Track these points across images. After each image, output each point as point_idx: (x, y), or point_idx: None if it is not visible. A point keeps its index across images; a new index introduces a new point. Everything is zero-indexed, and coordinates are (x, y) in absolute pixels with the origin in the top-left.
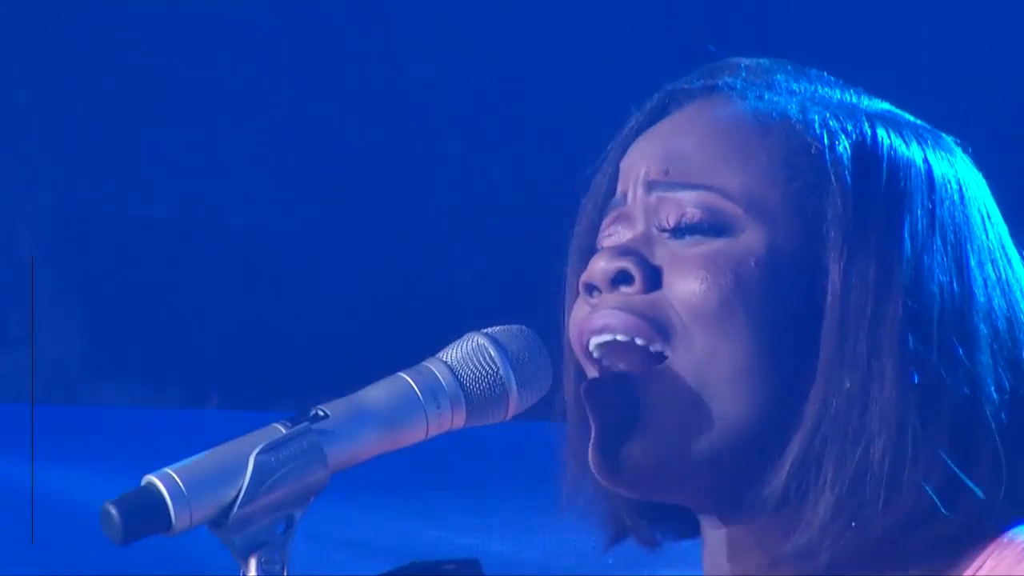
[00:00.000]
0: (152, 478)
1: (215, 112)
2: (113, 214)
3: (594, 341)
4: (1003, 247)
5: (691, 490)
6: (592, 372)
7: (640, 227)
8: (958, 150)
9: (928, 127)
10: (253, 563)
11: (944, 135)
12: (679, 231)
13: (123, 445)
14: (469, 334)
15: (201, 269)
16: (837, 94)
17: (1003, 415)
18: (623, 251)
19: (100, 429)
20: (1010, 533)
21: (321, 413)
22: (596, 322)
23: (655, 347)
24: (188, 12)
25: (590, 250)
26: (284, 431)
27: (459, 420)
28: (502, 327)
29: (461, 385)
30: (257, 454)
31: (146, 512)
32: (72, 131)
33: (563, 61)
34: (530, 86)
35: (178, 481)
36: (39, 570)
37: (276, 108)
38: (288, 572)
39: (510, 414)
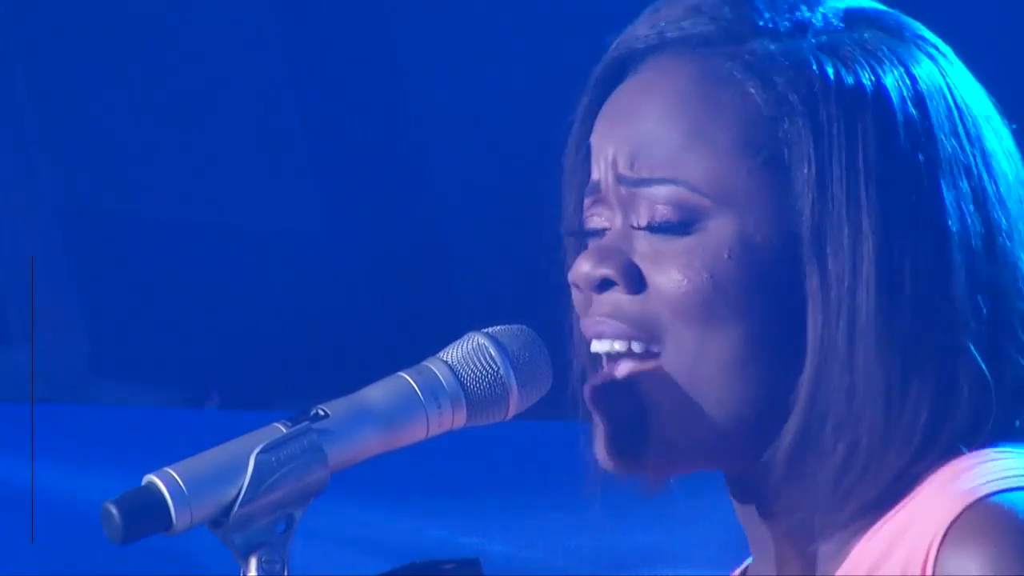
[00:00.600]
0: (152, 477)
1: (215, 112)
2: (113, 214)
3: (593, 345)
4: (982, 151)
5: (704, 464)
6: (594, 369)
7: (618, 220)
8: (930, 49)
9: (894, 23)
10: (253, 562)
11: (915, 32)
12: (653, 229)
13: (123, 445)
14: (469, 334)
15: (201, 269)
16: (781, 18)
17: (983, 340)
18: (604, 255)
19: (100, 429)
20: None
21: (321, 412)
22: (591, 328)
23: (650, 348)
24: (188, 12)
25: (579, 232)
26: (284, 430)
27: (459, 420)
28: (502, 327)
29: (461, 385)
30: (257, 453)
31: (147, 511)
32: (72, 131)
33: (563, 61)
34: (530, 86)
35: (179, 480)
36: (39, 570)
37: (277, 108)
38: (288, 572)
39: (511, 414)
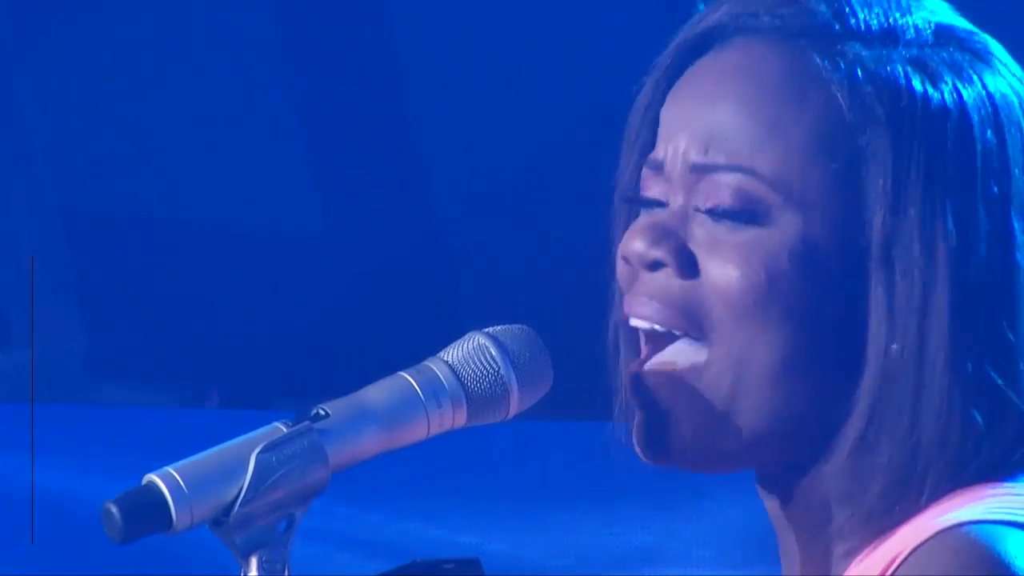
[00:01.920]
0: (153, 477)
1: (215, 112)
2: (113, 214)
3: (634, 322)
4: None
5: (745, 463)
6: (634, 354)
7: (679, 200)
8: (1012, 79)
9: (981, 47)
10: (254, 562)
11: (1000, 59)
12: (715, 214)
13: (123, 445)
14: (470, 333)
15: (201, 269)
16: (875, 22)
17: None
18: (660, 234)
19: (100, 429)
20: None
21: (322, 412)
22: (635, 308)
23: (694, 338)
24: (188, 12)
25: (633, 199)
26: (285, 430)
27: (460, 419)
28: (503, 326)
29: (462, 384)
30: (258, 453)
31: (147, 511)
32: (72, 131)
33: (564, 60)
34: (531, 85)
35: (179, 480)
36: (39, 570)
37: (277, 108)
38: (289, 571)
39: (511, 413)
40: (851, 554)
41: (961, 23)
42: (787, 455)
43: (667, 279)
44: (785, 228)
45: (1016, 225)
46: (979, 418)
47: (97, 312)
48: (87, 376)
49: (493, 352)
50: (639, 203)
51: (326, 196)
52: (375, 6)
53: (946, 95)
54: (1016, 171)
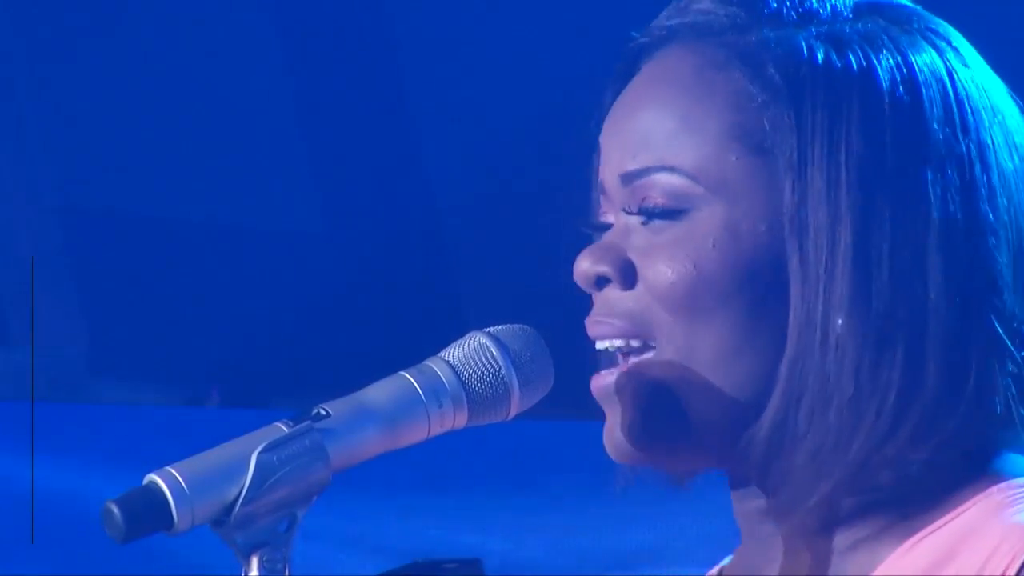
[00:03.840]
0: (154, 477)
1: (215, 112)
2: (113, 213)
3: (598, 346)
4: (979, 143)
5: (698, 457)
6: (600, 366)
7: (620, 215)
8: (938, 40)
9: (904, 14)
10: (255, 562)
11: (926, 23)
12: (646, 215)
13: (123, 444)
14: (471, 333)
15: (201, 269)
16: (787, 8)
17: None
18: (600, 252)
19: (100, 428)
20: (1000, 484)
21: (323, 412)
22: (590, 328)
23: (647, 342)
24: (188, 11)
25: (592, 227)
26: (286, 430)
27: (461, 419)
28: (504, 326)
29: (463, 384)
30: (259, 453)
31: (148, 511)
32: (72, 131)
33: (565, 60)
34: (532, 85)
35: (180, 480)
36: (39, 570)
37: (277, 108)
38: (290, 571)
39: (512, 413)
40: (866, 544)
41: (899, 1)
42: (743, 445)
43: (613, 293)
44: (709, 218)
45: (930, 181)
46: (895, 373)
47: (97, 312)
48: (87, 376)
49: (494, 352)
50: (596, 229)
51: (326, 196)
52: (375, 6)
53: (852, 62)
54: (934, 125)
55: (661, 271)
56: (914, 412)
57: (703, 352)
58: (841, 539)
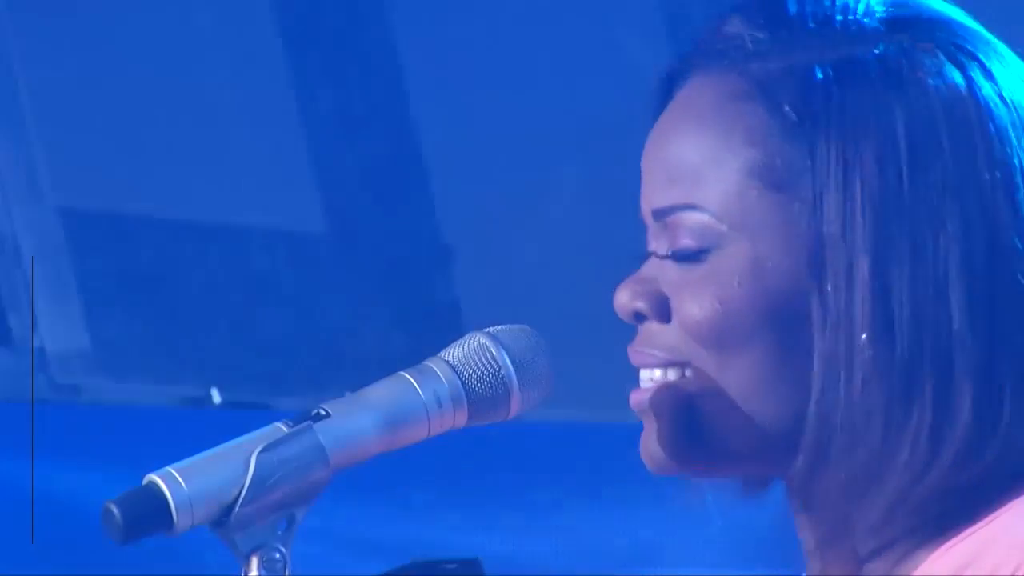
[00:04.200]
0: (154, 477)
1: (216, 112)
2: (113, 213)
3: (641, 373)
4: (1006, 172)
5: (738, 472)
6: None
7: (655, 247)
8: (963, 58)
9: (927, 30)
10: (255, 562)
11: (951, 38)
12: (676, 257)
13: (123, 445)
14: (471, 333)
15: (201, 268)
16: (811, 26)
17: (983, 360)
18: (637, 287)
19: (100, 429)
20: None
21: (323, 412)
22: (632, 359)
23: (687, 373)
24: (188, 11)
25: (643, 256)
26: (286, 430)
27: (461, 420)
28: (505, 326)
29: (463, 385)
30: (259, 453)
31: (148, 511)
32: (72, 131)
33: (566, 60)
34: (533, 85)
35: (180, 480)
36: (39, 570)
37: (277, 108)
38: (290, 571)
39: (512, 414)
40: (907, 560)
41: (917, 12)
42: (777, 467)
43: (651, 327)
44: (734, 256)
45: (947, 215)
46: (926, 407)
47: (97, 312)
48: (87, 376)
49: (494, 352)
50: (645, 258)
51: (326, 196)
52: (376, 6)
53: (867, 96)
54: (955, 157)
55: (689, 308)
56: (951, 443)
57: (731, 387)
58: (885, 558)
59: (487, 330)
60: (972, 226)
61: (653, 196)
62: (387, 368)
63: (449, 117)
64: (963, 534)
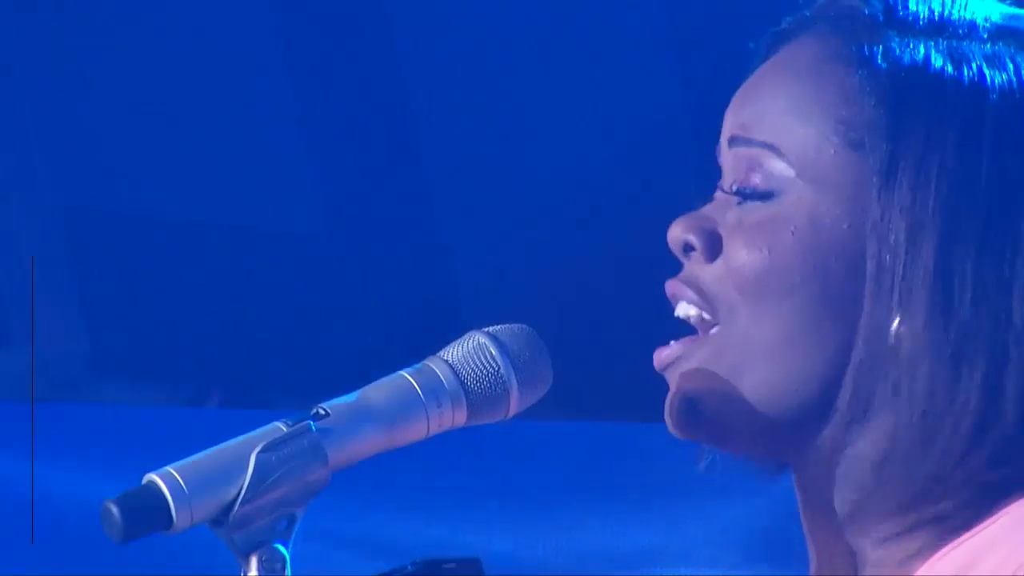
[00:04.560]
0: (153, 476)
1: (216, 112)
2: (113, 214)
3: (676, 310)
4: None
5: (758, 446)
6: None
7: (721, 186)
8: None
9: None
10: (254, 561)
11: None
12: (740, 194)
13: (123, 444)
14: (470, 333)
15: (201, 269)
16: (924, 17)
17: None
18: (693, 221)
19: (100, 428)
20: None
21: (322, 412)
22: (668, 290)
23: (713, 317)
24: (188, 11)
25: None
26: (285, 430)
27: (460, 419)
28: (503, 326)
29: (462, 384)
30: (258, 452)
31: (147, 511)
32: (72, 131)
33: (565, 61)
34: (533, 85)
35: (179, 480)
36: (39, 570)
37: (277, 108)
38: (289, 570)
39: (511, 413)
40: (917, 558)
41: None
42: (796, 437)
43: (696, 264)
44: (795, 204)
45: (1022, 213)
46: (972, 397)
47: (97, 312)
48: (87, 376)
49: (493, 351)
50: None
51: (326, 196)
52: (376, 6)
53: (965, 78)
54: None
55: (737, 251)
56: (991, 438)
57: (763, 336)
58: (891, 554)
59: (486, 329)
60: None
61: (732, 127)
62: (387, 368)
63: (449, 117)
64: (962, 537)
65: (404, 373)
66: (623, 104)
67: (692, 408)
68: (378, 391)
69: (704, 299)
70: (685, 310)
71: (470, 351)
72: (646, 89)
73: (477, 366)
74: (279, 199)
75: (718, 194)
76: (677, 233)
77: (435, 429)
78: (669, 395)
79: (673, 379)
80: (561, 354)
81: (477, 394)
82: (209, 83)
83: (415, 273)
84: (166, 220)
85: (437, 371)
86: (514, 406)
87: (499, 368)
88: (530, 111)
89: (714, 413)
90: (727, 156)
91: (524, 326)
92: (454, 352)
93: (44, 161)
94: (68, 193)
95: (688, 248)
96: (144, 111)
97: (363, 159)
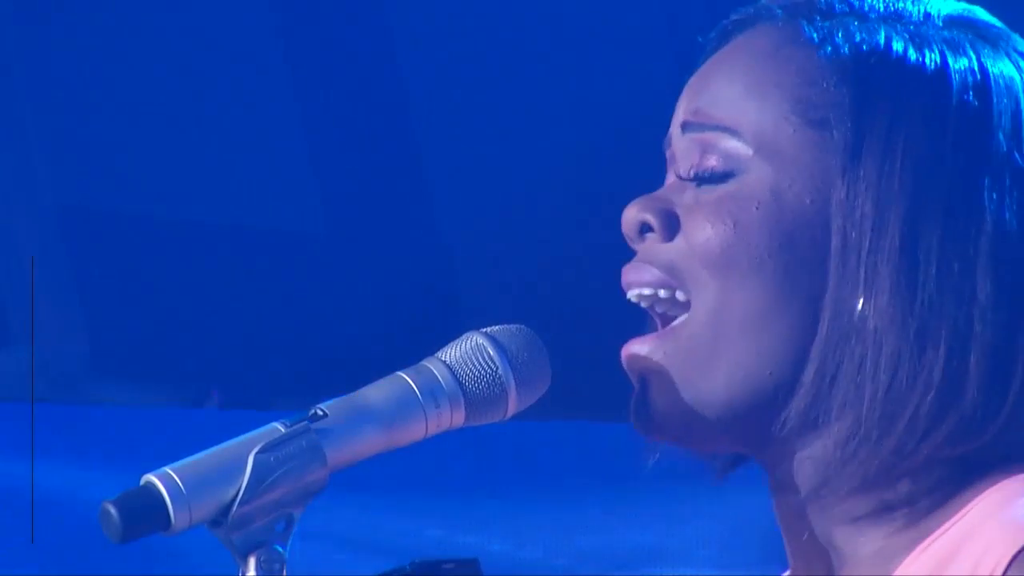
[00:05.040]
0: (151, 477)
1: (216, 112)
2: (113, 213)
3: (629, 295)
4: None
5: (726, 437)
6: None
7: (676, 171)
8: (1021, 61)
9: (994, 33)
10: (252, 562)
11: (1014, 44)
12: (698, 178)
13: (123, 445)
14: (468, 333)
15: (201, 269)
16: (882, 5)
17: (1000, 339)
18: (648, 201)
19: (100, 429)
20: (1006, 480)
21: (320, 412)
22: (625, 276)
23: (679, 295)
24: (188, 11)
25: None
26: (283, 430)
27: (458, 419)
28: (501, 326)
29: (460, 384)
30: (256, 453)
31: (145, 511)
32: (72, 130)
33: (565, 61)
34: (532, 86)
35: (177, 480)
36: (39, 570)
37: (277, 108)
38: (287, 571)
39: (509, 413)
40: (886, 549)
41: (983, 15)
42: (767, 421)
43: (653, 244)
44: (757, 181)
45: (986, 188)
46: (935, 374)
47: (97, 312)
48: (87, 376)
49: (491, 352)
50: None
51: (326, 196)
52: (376, 6)
53: (927, 60)
54: (1000, 135)
55: (701, 226)
56: (953, 414)
57: (733, 312)
58: (860, 547)
59: (484, 330)
60: (1008, 207)
61: (686, 112)
62: (385, 368)
63: (449, 117)
64: (934, 534)
65: (402, 374)
66: (624, 104)
67: (662, 405)
68: (376, 392)
69: (666, 276)
70: (639, 292)
71: (468, 352)
72: (647, 89)
73: (475, 367)
74: (279, 199)
75: (671, 180)
76: (632, 214)
77: (434, 430)
78: (635, 396)
79: (639, 379)
80: (560, 354)
81: (475, 395)
82: (209, 83)
83: (414, 273)
84: (166, 220)
85: (435, 372)
86: (512, 406)
87: (497, 369)
88: (530, 111)
89: (685, 408)
90: (680, 142)
91: (522, 326)
92: (452, 353)
93: (44, 161)
94: (68, 193)
95: (645, 228)
96: (144, 111)
97: (363, 159)
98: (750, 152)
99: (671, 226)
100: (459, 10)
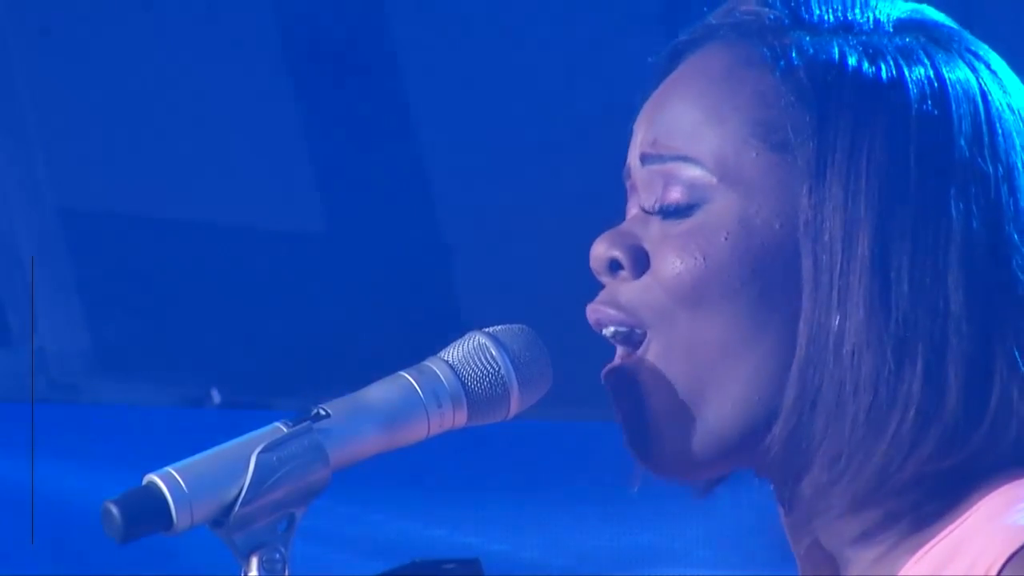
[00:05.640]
0: (153, 477)
1: (216, 112)
2: (113, 214)
3: (604, 332)
4: (1008, 166)
5: (724, 463)
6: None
7: (639, 203)
8: (976, 62)
9: (945, 34)
10: (254, 562)
11: (966, 44)
12: (663, 211)
13: (123, 445)
14: (470, 333)
15: (201, 268)
16: (830, 16)
17: (977, 350)
18: (616, 237)
19: (100, 429)
20: (1003, 487)
21: (322, 412)
22: (589, 316)
23: (646, 332)
24: (188, 11)
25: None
26: (285, 430)
27: (460, 419)
28: (503, 326)
29: (462, 384)
30: (259, 453)
31: (147, 511)
32: (72, 131)
33: (564, 61)
34: (532, 86)
35: (179, 480)
36: (39, 570)
37: (277, 108)
38: (289, 571)
39: (511, 413)
40: (886, 559)
41: (932, 15)
42: (753, 445)
43: (621, 282)
44: (723, 211)
45: (952, 196)
46: (914, 388)
47: (97, 312)
48: (87, 376)
49: (493, 352)
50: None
51: (326, 196)
52: (376, 6)
53: (883, 72)
54: (962, 142)
55: (670, 261)
56: (936, 428)
57: (705, 344)
58: (863, 553)
59: (486, 330)
60: (975, 215)
61: (643, 144)
62: (387, 368)
63: (449, 117)
64: (935, 539)
65: (404, 373)
66: (624, 104)
67: (647, 434)
68: (378, 391)
69: (633, 314)
70: (609, 332)
71: (470, 351)
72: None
73: (477, 366)
74: (279, 199)
75: (634, 211)
76: (601, 251)
77: (435, 429)
78: (624, 427)
79: (618, 404)
80: (561, 354)
81: (477, 394)
82: (210, 83)
83: (416, 273)
84: (166, 220)
85: (437, 371)
86: (514, 406)
87: (499, 368)
88: (531, 111)
89: (667, 436)
90: (640, 174)
91: (524, 327)
92: (454, 352)
93: (44, 161)
94: (68, 193)
95: (615, 266)
96: (144, 111)
97: (363, 159)
98: (714, 180)
99: (640, 264)
100: (460, 10)
